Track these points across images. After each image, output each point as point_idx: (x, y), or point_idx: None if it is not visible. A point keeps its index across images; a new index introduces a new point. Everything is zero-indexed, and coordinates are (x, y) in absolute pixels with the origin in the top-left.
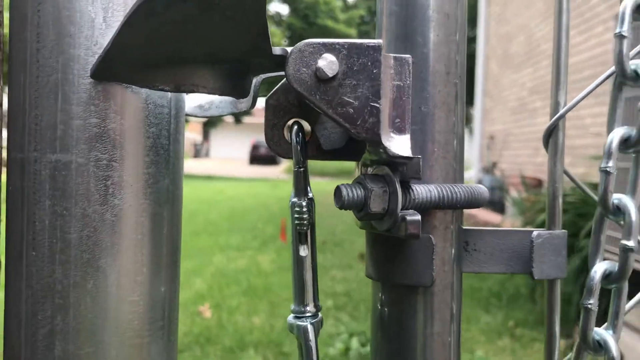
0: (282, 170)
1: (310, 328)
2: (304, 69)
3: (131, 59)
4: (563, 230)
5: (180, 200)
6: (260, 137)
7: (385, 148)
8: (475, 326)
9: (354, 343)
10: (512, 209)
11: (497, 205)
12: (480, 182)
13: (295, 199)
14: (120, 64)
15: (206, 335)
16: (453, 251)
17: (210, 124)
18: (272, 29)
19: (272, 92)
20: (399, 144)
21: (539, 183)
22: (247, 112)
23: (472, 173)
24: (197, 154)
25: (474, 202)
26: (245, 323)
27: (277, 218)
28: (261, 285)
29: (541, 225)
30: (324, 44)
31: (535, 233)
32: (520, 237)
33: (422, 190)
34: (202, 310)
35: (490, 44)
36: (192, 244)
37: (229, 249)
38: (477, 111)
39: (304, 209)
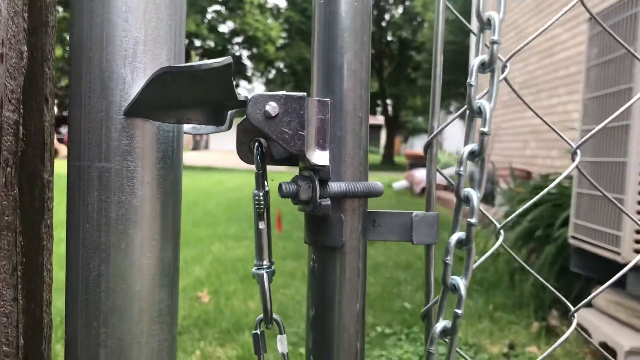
0: None
1: (265, 276)
2: (257, 111)
3: (149, 104)
4: (435, 212)
5: (180, 193)
6: None
7: (307, 160)
8: None
9: None
10: (501, 200)
11: (489, 197)
12: (471, 174)
13: (255, 191)
14: (142, 107)
15: (204, 318)
16: (359, 226)
17: None
18: (270, 22)
19: (241, 120)
20: (320, 157)
21: (527, 175)
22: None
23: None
24: (196, 146)
25: (370, 193)
26: (241, 307)
27: (273, 208)
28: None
29: (522, 214)
30: (269, 96)
31: (414, 214)
32: (407, 216)
33: (334, 186)
34: (200, 296)
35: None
36: (192, 234)
37: (227, 239)
38: None
39: (262, 199)
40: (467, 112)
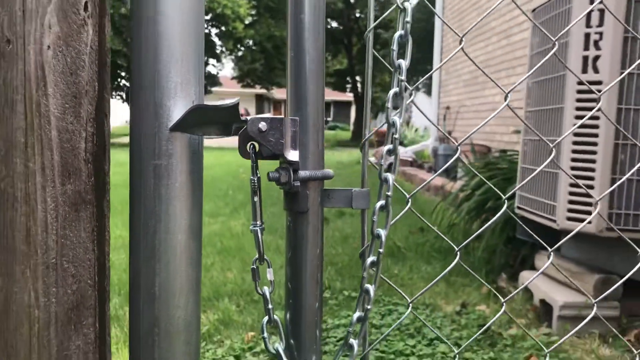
0: None
1: (259, 231)
2: (253, 127)
3: (185, 124)
4: (367, 189)
5: (202, 179)
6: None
7: (285, 157)
8: (417, 275)
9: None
10: (462, 173)
11: (451, 172)
12: (435, 150)
13: (252, 177)
14: (181, 125)
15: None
16: (318, 198)
17: None
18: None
19: (241, 130)
20: (293, 155)
21: (487, 150)
22: (216, 83)
23: (429, 141)
24: None
25: (325, 177)
26: (219, 277)
27: (246, 186)
28: (234, 245)
29: (476, 187)
30: (261, 118)
31: (354, 190)
32: (349, 191)
33: (302, 173)
34: None
35: (446, 18)
36: None
37: (203, 215)
38: (434, 83)
39: (255, 181)
40: (386, 124)
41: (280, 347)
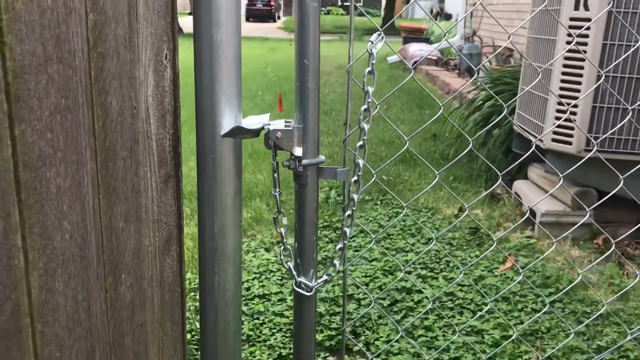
0: (279, 27)
1: (277, 195)
2: (272, 135)
3: (230, 134)
4: (347, 168)
5: (241, 162)
6: None
7: (292, 153)
8: (424, 181)
9: (332, 193)
10: (483, 75)
11: (473, 72)
12: (460, 49)
13: (272, 162)
14: (228, 134)
15: None
16: (315, 174)
17: None
18: None
19: (266, 132)
20: (298, 152)
21: (510, 52)
22: None
23: (455, 39)
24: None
25: (319, 163)
26: (252, 179)
27: (275, 86)
28: (263, 150)
29: (486, 99)
30: (277, 129)
31: (338, 169)
32: (335, 169)
33: (305, 161)
34: None
35: None
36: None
37: None
38: None
39: (275, 165)
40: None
41: (291, 264)
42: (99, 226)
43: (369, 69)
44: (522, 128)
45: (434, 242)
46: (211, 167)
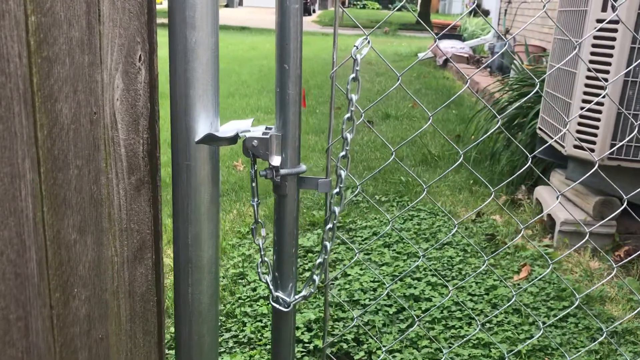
0: (313, 20)
1: (255, 205)
2: (248, 143)
3: (205, 140)
4: (329, 179)
5: (218, 169)
6: None
7: (270, 163)
8: (444, 183)
9: (348, 193)
10: (514, 74)
11: (506, 71)
12: (492, 48)
13: (251, 170)
14: (203, 141)
15: (240, 184)
16: (295, 185)
17: None
18: None
19: (243, 140)
20: (276, 161)
21: (542, 51)
22: None
23: (488, 36)
24: (229, 2)
25: (298, 174)
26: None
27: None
28: None
29: (512, 101)
30: (253, 137)
31: (319, 180)
32: (316, 180)
33: (282, 171)
34: (236, 165)
35: None
36: (227, 106)
37: (259, 111)
38: None
39: (253, 174)
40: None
41: (268, 278)
42: (42, 240)
43: (353, 75)
44: (544, 132)
45: (422, 255)
46: (185, 175)
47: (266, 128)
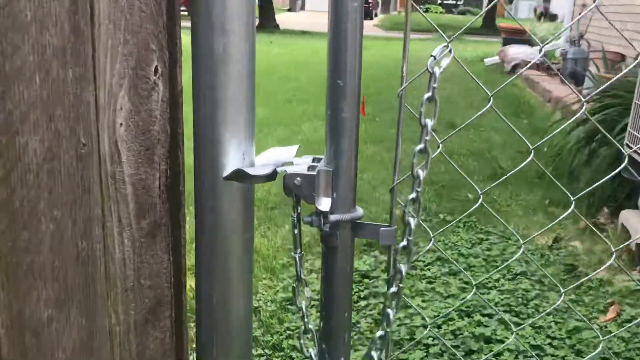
0: (375, 24)
1: (297, 258)
2: (290, 182)
3: (235, 177)
4: (394, 227)
5: (252, 212)
6: None
7: (317, 207)
8: (515, 202)
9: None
10: (590, 83)
11: (580, 77)
12: (565, 54)
13: (292, 215)
14: (232, 177)
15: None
16: (349, 234)
17: None
18: None
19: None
20: (325, 204)
21: (622, 58)
22: None
23: (560, 42)
24: (292, 6)
25: (353, 219)
26: None
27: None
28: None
29: (591, 114)
30: (296, 174)
31: (382, 229)
32: (377, 227)
33: (332, 217)
34: None
35: None
36: (285, 112)
37: (315, 118)
38: None
39: (295, 218)
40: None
41: (313, 352)
42: None
43: (429, 94)
44: (635, 151)
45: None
46: (210, 219)
47: (313, 160)
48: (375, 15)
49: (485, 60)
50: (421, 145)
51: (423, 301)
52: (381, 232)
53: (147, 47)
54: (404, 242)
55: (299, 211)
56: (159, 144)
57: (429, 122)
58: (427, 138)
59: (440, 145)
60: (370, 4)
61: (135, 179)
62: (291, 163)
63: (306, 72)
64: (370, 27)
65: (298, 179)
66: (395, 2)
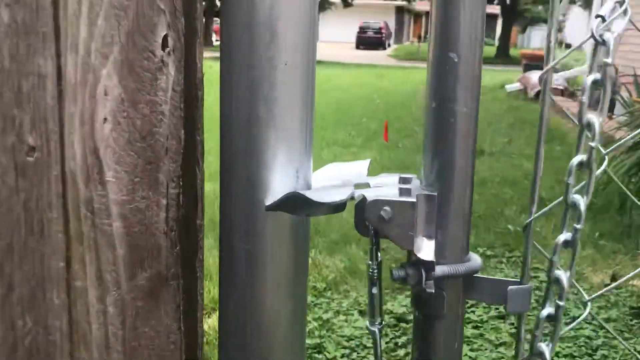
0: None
1: (377, 332)
2: (374, 213)
3: (284, 206)
4: (529, 285)
5: (307, 256)
6: (367, 19)
7: (415, 254)
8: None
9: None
10: (621, 110)
11: (609, 104)
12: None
13: (369, 262)
14: (280, 206)
15: (316, 228)
16: (460, 297)
17: (320, 7)
18: None
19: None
20: (427, 250)
21: None
22: None
23: (584, 67)
24: None
25: (469, 273)
26: (349, 220)
27: (381, 113)
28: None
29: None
30: (385, 201)
31: (510, 287)
32: (503, 285)
33: (438, 270)
34: None
35: None
36: None
37: (334, 145)
38: None
39: (375, 268)
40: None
41: None
42: None
43: (595, 75)
44: None
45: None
46: (243, 268)
47: (400, 179)
48: (389, 45)
49: (507, 86)
50: (582, 157)
51: (471, 350)
52: (510, 292)
53: (151, 4)
54: (549, 310)
55: (379, 258)
56: (166, 155)
57: (596, 121)
58: (595, 144)
59: (605, 158)
60: (383, 35)
61: (127, 209)
62: (367, 185)
63: (323, 99)
64: (384, 57)
65: (387, 208)
66: (408, 32)
